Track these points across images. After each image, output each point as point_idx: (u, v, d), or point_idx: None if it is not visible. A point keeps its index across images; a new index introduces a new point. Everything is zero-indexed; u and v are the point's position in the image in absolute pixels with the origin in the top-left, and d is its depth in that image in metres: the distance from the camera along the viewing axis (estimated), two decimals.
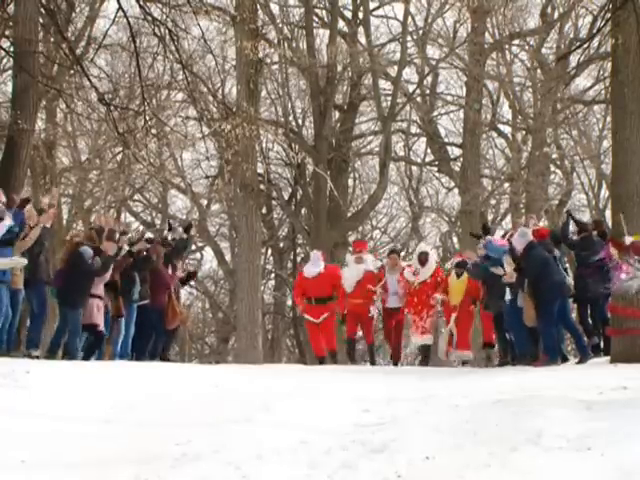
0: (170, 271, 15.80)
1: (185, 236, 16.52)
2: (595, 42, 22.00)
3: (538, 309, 13.77)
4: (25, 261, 13.19)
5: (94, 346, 14.40)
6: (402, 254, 18.44)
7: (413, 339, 16.60)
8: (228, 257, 32.69)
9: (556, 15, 29.29)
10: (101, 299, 14.36)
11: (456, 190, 30.00)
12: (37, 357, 13.79)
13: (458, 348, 16.27)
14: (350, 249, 21.31)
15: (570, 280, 15.13)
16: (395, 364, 16.85)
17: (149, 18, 18.07)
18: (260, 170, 26.87)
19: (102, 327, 14.34)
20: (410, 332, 16.62)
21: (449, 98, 31.04)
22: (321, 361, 16.77)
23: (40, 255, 13.83)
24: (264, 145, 28.73)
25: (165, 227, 19.89)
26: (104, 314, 14.50)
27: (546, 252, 14.09)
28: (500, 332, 15.33)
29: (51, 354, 14.11)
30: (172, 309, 15.44)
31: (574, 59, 26.45)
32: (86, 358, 14.14)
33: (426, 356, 16.75)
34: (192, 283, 33.65)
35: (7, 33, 19.00)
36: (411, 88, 29.72)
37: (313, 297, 16.52)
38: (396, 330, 16.72)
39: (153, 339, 15.56)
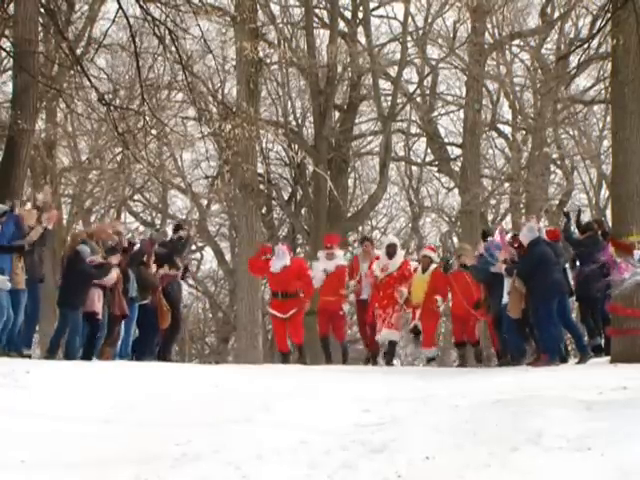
0: (167, 270, 15.76)
1: (178, 235, 16.35)
2: (595, 42, 21.96)
3: (537, 308, 13.75)
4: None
5: (93, 337, 14.32)
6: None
7: (380, 334, 15.83)
8: (228, 257, 32.69)
9: (556, 15, 29.28)
10: (102, 288, 14.35)
11: (456, 190, 29.98)
12: (29, 356, 13.80)
13: (423, 346, 15.93)
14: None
15: (570, 280, 15.12)
16: (373, 358, 16.19)
17: (149, 18, 18.07)
18: (260, 170, 26.90)
19: (101, 316, 14.32)
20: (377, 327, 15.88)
21: (449, 98, 31.03)
22: (285, 358, 16.35)
23: (34, 255, 13.79)
24: (264, 145, 28.76)
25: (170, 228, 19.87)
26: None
27: (551, 252, 14.06)
28: (499, 333, 15.31)
29: (51, 354, 14.10)
30: (160, 309, 15.41)
31: (574, 59, 26.43)
32: (89, 352, 14.13)
33: (392, 353, 16.06)
34: (191, 282, 33.82)
35: (7, 33, 18.98)
36: (411, 88, 29.73)
37: (280, 292, 16.04)
38: (369, 325, 16.09)
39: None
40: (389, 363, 15.97)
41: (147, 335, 15.50)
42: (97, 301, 14.22)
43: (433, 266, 16.01)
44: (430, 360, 16.32)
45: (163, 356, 15.61)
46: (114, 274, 14.36)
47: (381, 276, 15.77)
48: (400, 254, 16.16)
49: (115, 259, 14.43)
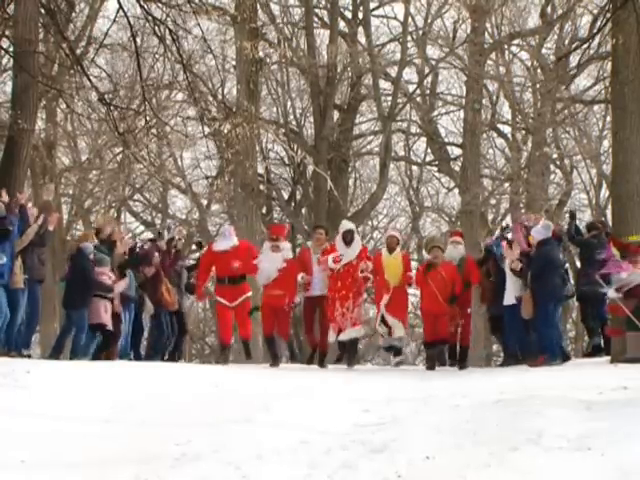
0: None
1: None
2: (595, 42, 21.96)
3: (537, 308, 13.76)
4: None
5: (104, 345, 14.44)
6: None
7: (344, 334, 14.72)
8: None
9: (556, 15, 29.28)
10: (108, 300, 14.36)
11: (456, 190, 30.00)
12: (29, 356, 13.80)
13: (391, 334, 14.83)
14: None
15: (571, 280, 15.13)
16: (321, 362, 15.05)
17: (149, 18, 18.07)
18: (260, 170, 26.91)
19: (110, 327, 14.38)
20: (333, 324, 14.72)
21: (449, 98, 31.05)
22: (224, 349, 15.21)
23: (34, 255, 13.78)
24: (264, 145, 28.79)
25: (162, 231, 19.82)
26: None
27: (558, 253, 14.08)
28: (500, 333, 15.27)
29: (55, 354, 14.09)
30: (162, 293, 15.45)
31: (574, 59, 26.50)
32: (95, 357, 14.17)
33: (355, 351, 15.23)
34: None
35: (7, 33, 18.97)
36: (411, 88, 29.74)
37: (226, 277, 14.84)
38: (321, 322, 15.06)
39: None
40: (351, 365, 14.85)
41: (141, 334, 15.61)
42: (104, 312, 14.25)
43: (399, 249, 15.28)
44: (398, 351, 15.22)
45: (172, 355, 15.68)
46: (120, 289, 14.48)
47: (337, 266, 14.64)
48: (358, 240, 15.03)
49: (122, 285, 14.51)
